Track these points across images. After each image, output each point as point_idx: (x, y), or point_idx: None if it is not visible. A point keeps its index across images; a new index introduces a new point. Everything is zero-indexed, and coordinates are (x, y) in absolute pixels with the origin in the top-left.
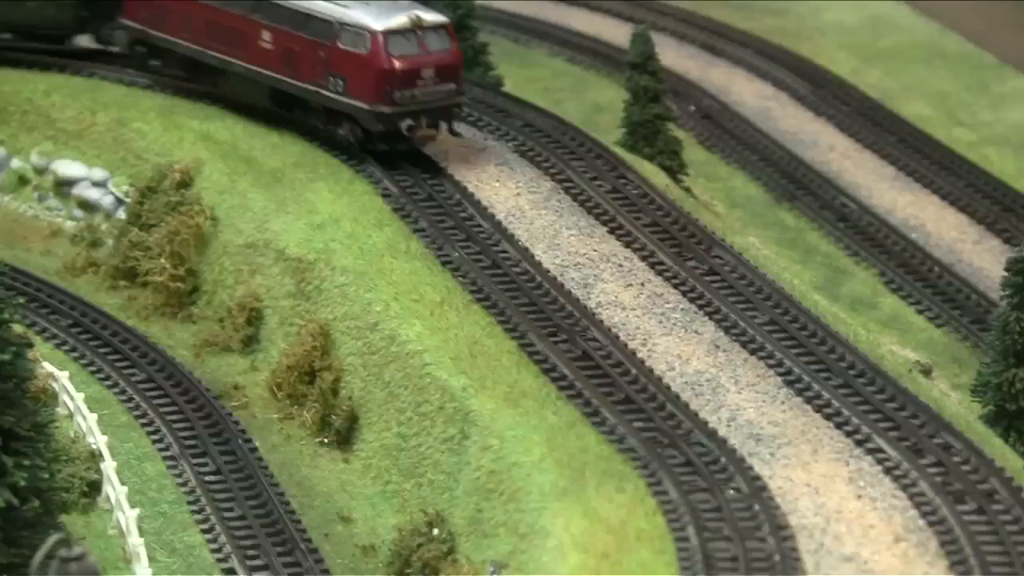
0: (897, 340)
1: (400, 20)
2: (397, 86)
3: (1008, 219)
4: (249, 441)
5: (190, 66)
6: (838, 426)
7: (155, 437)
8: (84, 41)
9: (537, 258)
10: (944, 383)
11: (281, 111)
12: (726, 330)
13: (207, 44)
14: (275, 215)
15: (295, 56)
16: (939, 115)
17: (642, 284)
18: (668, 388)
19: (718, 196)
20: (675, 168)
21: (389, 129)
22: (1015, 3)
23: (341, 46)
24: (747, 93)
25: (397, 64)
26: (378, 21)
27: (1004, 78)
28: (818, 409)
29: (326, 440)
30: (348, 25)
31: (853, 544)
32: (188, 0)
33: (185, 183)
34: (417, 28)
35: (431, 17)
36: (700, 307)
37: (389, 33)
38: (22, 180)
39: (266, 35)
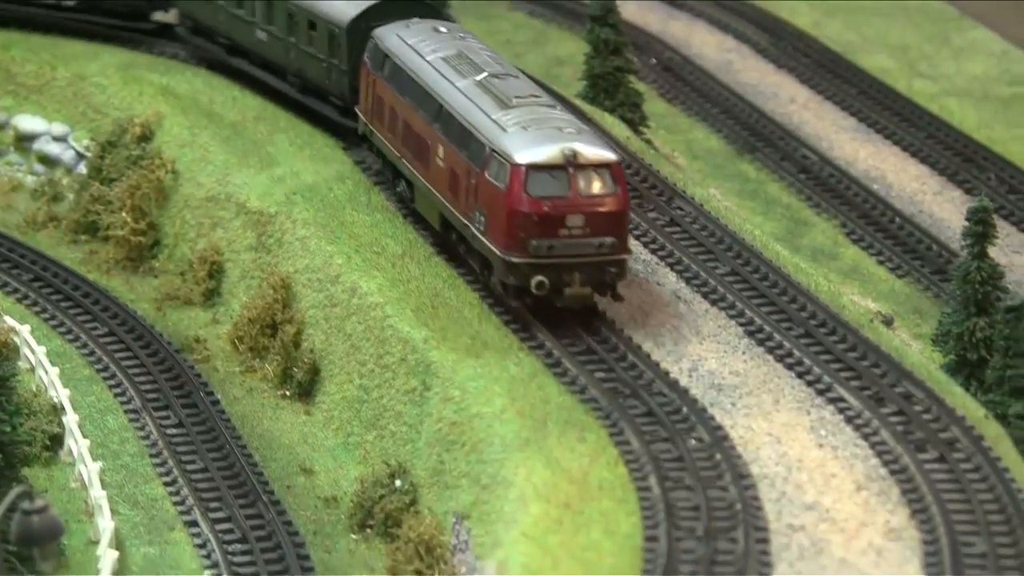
0: (858, 291)
1: (549, 153)
2: (533, 233)
3: (969, 170)
4: (211, 394)
5: (394, 171)
6: (799, 376)
7: (117, 390)
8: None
9: None
10: (905, 333)
11: (449, 240)
12: (687, 281)
13: (402, 150)
14: (236, 168)
15: (456, 179)
16: (900, 67)
17: None
18: (630, 339)
19: (679, 148)
20: (636, 120)
21: (521, 283)
22: None
23: (487, 176)
24: (708, 46)
25: (534, 206)
26: (523, 151)
27: (964, 30)
28: (779, 359)
29: (288, 393)
30: (495, 152)
31: (815, 493)
32: (394, 94)
33: (145, 137)
34: (570, 164)
35: (592, 152)
36: (661, 258)
37: (532, 168)
38: None
39: (440, 150)
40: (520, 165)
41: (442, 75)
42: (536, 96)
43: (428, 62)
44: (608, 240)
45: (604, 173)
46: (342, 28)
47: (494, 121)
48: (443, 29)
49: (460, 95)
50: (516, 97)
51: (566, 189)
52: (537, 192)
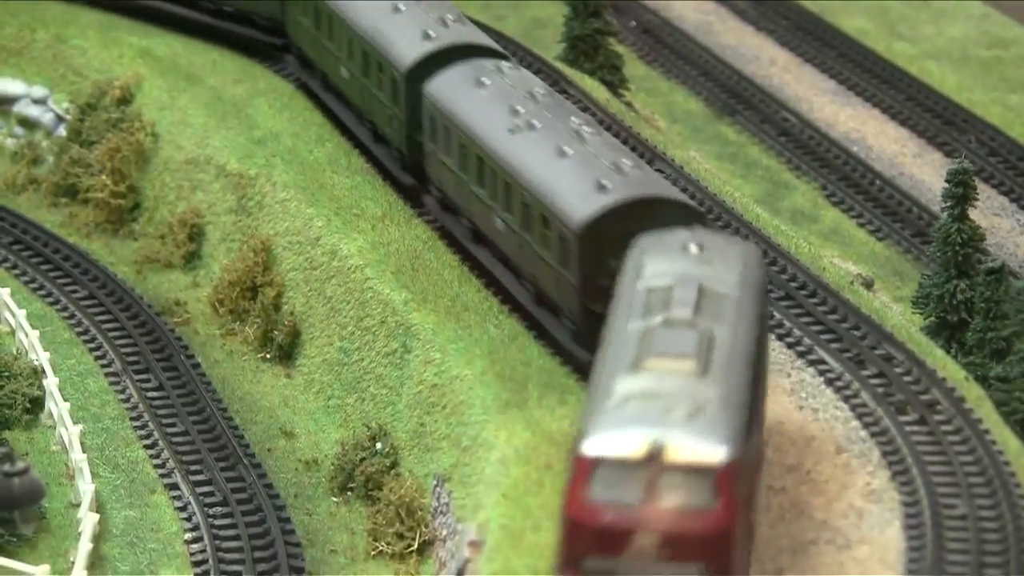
0: (838, 253)
1: (630, 443)
2: (589, 548)
3: (949, 132)
4: (191, 357)
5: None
6: (780, 338)
7: (97, 353)
8: None
9: None
10: (886, 295)
11: None
12: None
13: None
14: (215, 131)
15: None
16: (879, 29)
17: None
18: None
19: (659, 111)
20: (616, 83)
21: None
22: None
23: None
24: (687, 7)
25: (593, 514)
26: (599, 435)
27: None
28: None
29: (268, 355)
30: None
31: (795, 455)
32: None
33: (125, 100)
34: (654, 459)
35: (690, 450)
36: None
37: (600, 462)
38: None
39: None
40: (585, 457)
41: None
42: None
43: None
44: (695, 569)
45: (700, 480)
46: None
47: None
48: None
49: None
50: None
51: (639, 495)
52: (601, 496)
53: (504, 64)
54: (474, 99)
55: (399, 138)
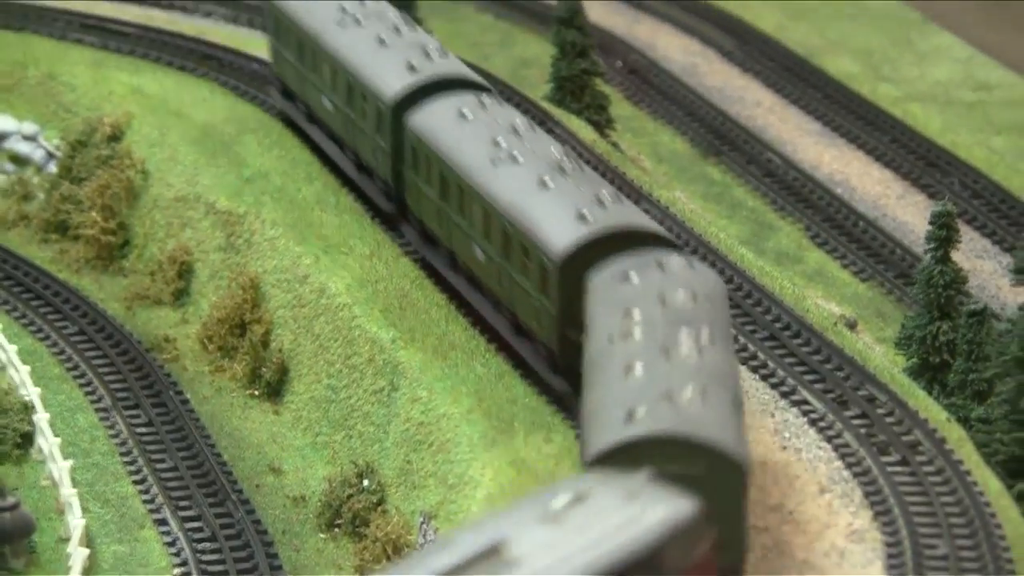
0: (822, 294)
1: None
2: None
3: (932, 174)
4: (180, 393)
5: None
6: (764, 378)
7: (87, 389)
8: None
9: None
10: (868, 336)
11: None
12: None
13: None
14: (205, 168)
15: None
16: (864, 71)
17: None
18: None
19: (645, 151)
20: (602, 123)
21: None
22: None
23: None
24: (674, 49)
25: None
26: None
27: (928, 35)
28: (744, 362)
29: (257, 392)
30: None
31: (779, 495)
32: None
33: (115, 137)
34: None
35: None
36: None
37: None
38: None
39: None
40: None
41: None
42: None
43: None
44: None
45: None
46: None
47: None
48: None
49: None
50: None
51: None
52: None
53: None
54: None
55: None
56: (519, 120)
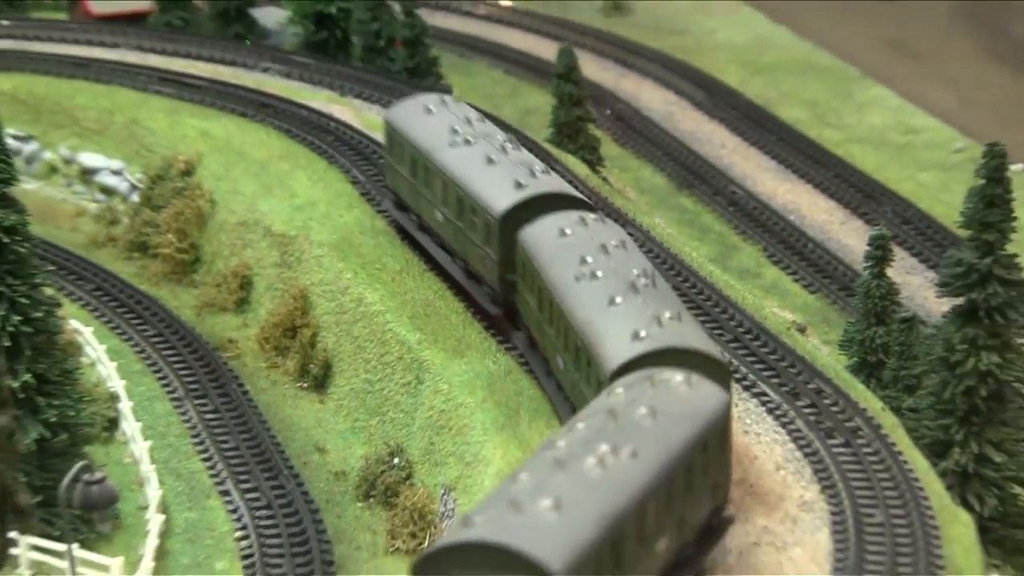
0: (777, 304)
1: None
2: None
3: (869, 204)
4: (241, 385)
5: None
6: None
7: (164, 382)
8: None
9: None
10: (816, 339)
11: None
12: None
13: None
14: (263, 198)
15: None
16: (811, 118)
17: None
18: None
19: (629, 184)
20: (594, 161)
21: None
22: (874, 26)
23: None
24: (653, 99)
25: None
26: None
27: (865, 88)
28: None
29: (305, 385)
30: None
31: (741, 472)
32: None
33: (188, 172)
34: None
35: None
36: None
37: None
38: (53, 169)
39: None
40: None
41: None
42: None
43: None
44: None
45: None
46: None
47: None
48: None
49: None
50: None
51: None
52: None
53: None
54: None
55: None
56: (614, 238)
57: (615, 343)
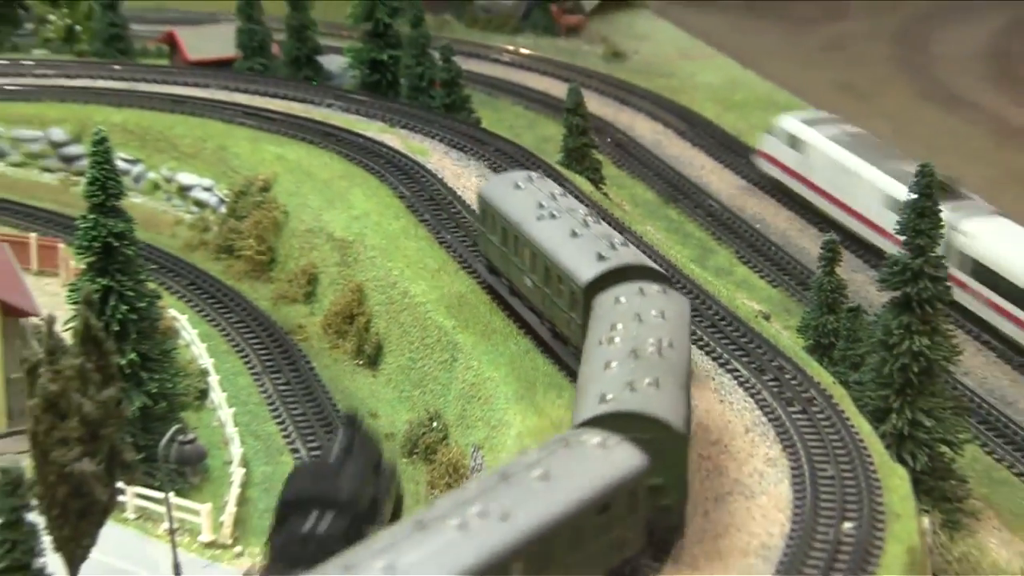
0: (746, 296)
1: None
2: None
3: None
4: (309, 362)
5: None
6: (707, 354)
7: (245, 360)
8: None
9: None
10: (779, 325)
11: None
12: None
13: None
14: (326, 210)
15: None
16: None
17: None
18: None
19: (626, 199)
20: (597, 180)
21: None
22: (825, 71)
23: None
24: (645, 129)
25: None
26: None
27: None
28: (695, 342)
29: (360, 362)
30: None
31: (717, 433)
32: None
33: (266, 188)
34: None
35: None
36: None
37: None
38: (156, 186)
39: None
40: None
41: None
42: None
43: None
44: None
45: None
46: None
47: None
48: None
49: None
50: None
51: None
52: None
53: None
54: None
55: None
56: (655, 308)
57: (671, 412)
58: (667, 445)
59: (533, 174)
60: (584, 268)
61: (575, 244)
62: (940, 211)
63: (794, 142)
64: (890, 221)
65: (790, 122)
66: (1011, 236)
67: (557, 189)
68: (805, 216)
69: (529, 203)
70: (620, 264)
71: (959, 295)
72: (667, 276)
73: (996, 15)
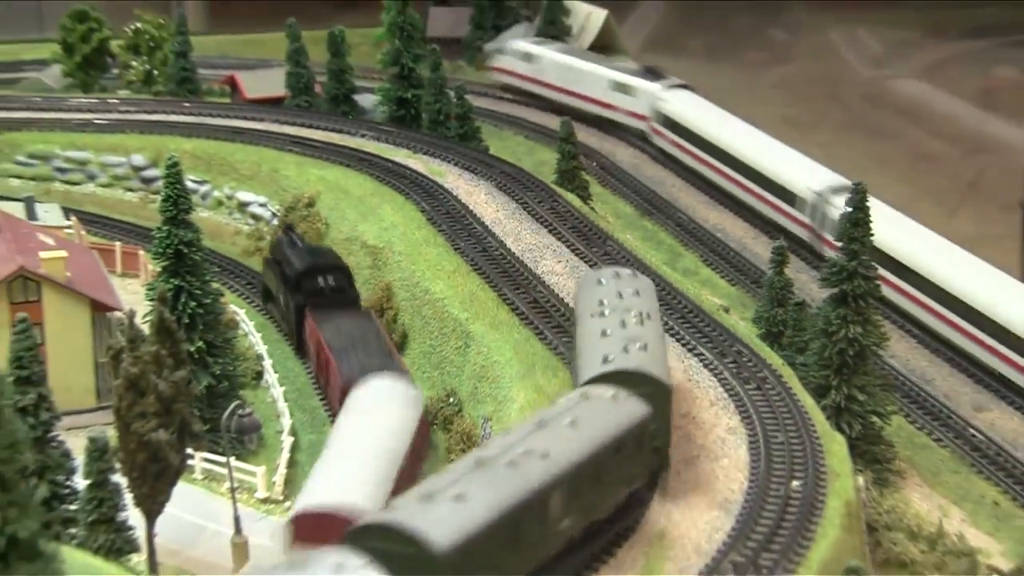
0: (710, 292)
1: None
2: None
3: (772, 228)
4: None
5: None
6: (678, 341)
7: (293, 346)
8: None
9: (508, 246)
10: (737, 316)
11: None
12: None
13: None
14: (361, 222)
15: None
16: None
17: (567, 261)
18: None
19: (609, 212)
20: (585, 196)
21: None
22: (773, 107)
23: None
24: (625, 155)
25: None
26: None
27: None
28: (668, 331)
29: None
30: None
31: (686, 407)
32: None
33: (311, 204)
34: None
35: None
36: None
37: None
38: (219, 203)
39: None
40: None
41: None
42: None
43: None
44: None
45: None
46: None
47: None
48: None
49: None
50: None
51: None
52: None
53: (627, 271)
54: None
55: None
56: (645, 289)
57: None
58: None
59: (622, 270)
60: (587, 371)
61: (597, 345)
62: (871, 221)
63: (528, 57)
64: (616, 99)
65: (521, 43)
66: (689, 101)
67: (633, 288)
68: (758, 226)
69: (594, 300)
70: (614, 370)
71: (658, 140)
72: (665, 385)
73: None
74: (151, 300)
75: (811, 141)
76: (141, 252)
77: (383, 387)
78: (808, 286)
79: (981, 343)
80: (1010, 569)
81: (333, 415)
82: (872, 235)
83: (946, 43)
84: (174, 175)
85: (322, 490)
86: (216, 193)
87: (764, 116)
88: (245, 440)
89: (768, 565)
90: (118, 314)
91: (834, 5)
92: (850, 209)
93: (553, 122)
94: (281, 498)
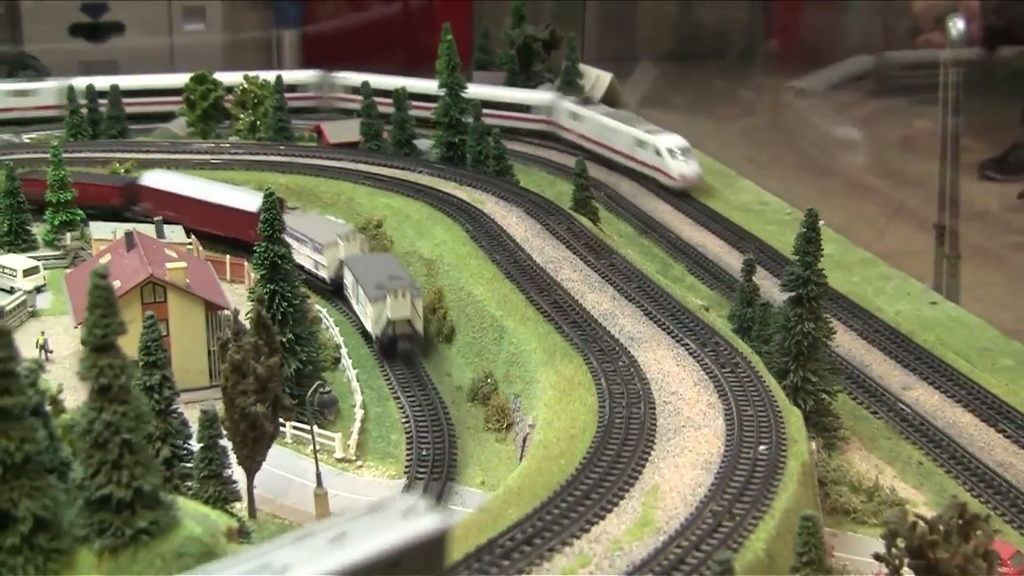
0: (693, 295)
1: None
2: None
3: (742, 243)
4: None
5: None
6: (668, 333)
7: (365, 337)
8: None
9: (534, 258)
10: (715, 315)
11: None
12: (618, 290)
13: None
14: (418, 239)
15: None
16: (709, 197)
17: (580, 270)
18: (592, 316)
19: (613, 232)
20: (594, 219)
21: None
22: (740, 148)
23: None
24: (628, 187)
25: None
26: None
27: (738, 181)
28: (660, 325)
29: (440, 340)
30: None
31: (675, 385)
32: None
33: (379, 225)
34: None
35: None
36: (606, 280)
37: None
38: None
39: None
40: None
41: None
42: None
43: None
44: None
45: None
46: None
47: None
48: None
49: None
50: None
51: None
52: None
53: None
54: None
55: None
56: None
57: None
58: None
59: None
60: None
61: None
62: (820, 238)
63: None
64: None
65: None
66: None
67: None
68: (731, 243)
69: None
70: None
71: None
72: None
73: (858, 112)
74: (251, 301)
75: (770, 176)
76: (245, 263)
77: None
78: (771, 290)
79: None
80: (932, 516)
81: (425, 394)
82: (822, 250)
83: (877, 100)
84: (271, 203)
85: None
86: None
87: (733, 157)
88: (325, 412)
89: (740, 513)
90: (226, 312)
91: (790, 70)
92: (803, 229)
93: (570, 161)
94: (354, 458)
